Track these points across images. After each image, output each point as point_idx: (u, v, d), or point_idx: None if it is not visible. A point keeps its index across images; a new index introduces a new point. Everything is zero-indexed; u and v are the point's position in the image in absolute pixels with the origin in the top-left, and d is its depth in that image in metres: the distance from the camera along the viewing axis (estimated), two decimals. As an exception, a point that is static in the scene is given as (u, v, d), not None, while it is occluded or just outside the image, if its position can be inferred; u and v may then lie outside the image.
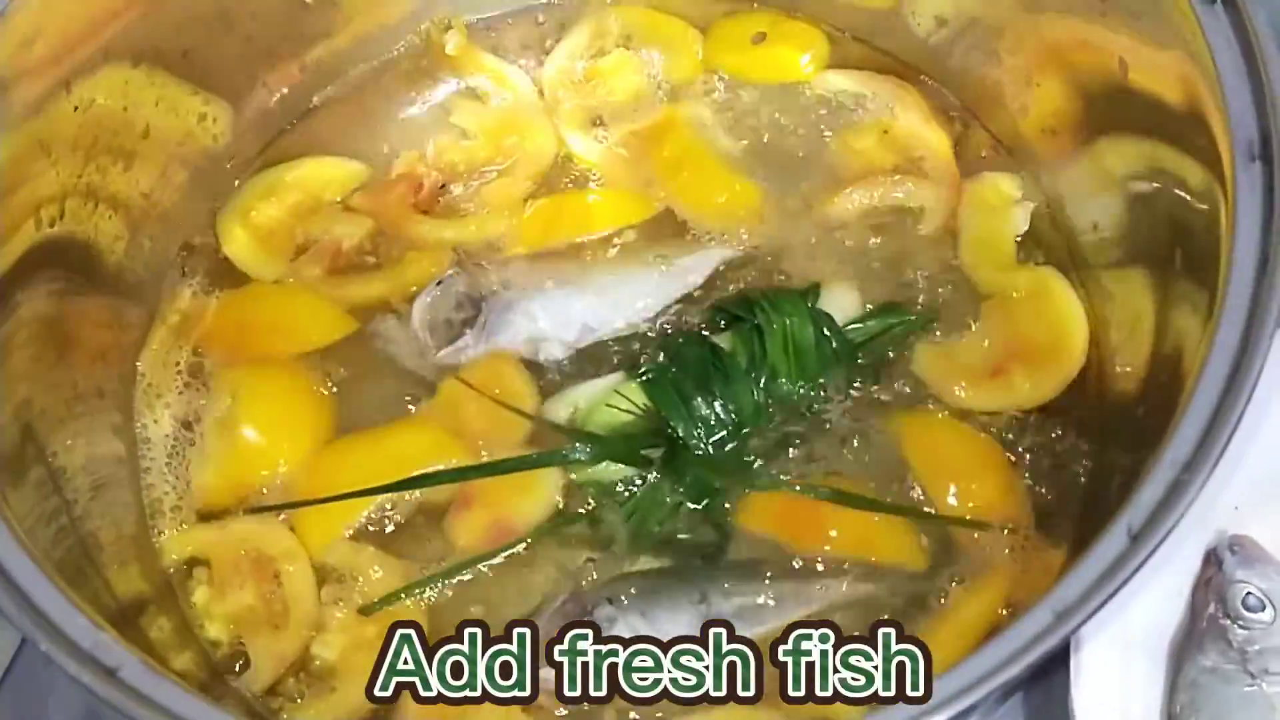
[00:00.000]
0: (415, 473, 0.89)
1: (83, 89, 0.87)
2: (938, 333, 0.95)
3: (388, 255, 1.01)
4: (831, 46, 1.08)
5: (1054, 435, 0.91)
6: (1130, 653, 0.81)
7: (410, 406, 0.94)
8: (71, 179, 0.88)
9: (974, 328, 0.95)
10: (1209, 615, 0.81)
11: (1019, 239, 0.98)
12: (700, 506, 0.89)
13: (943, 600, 0.85)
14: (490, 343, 0.94)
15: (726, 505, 0.89)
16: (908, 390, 0.93)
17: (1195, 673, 0.80)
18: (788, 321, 0.91)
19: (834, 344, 0.92)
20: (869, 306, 0.96)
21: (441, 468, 0.89)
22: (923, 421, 0.92)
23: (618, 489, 0.89)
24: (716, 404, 0.89)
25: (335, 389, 0.95)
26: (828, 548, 0.87)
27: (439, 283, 0.96)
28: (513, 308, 0.95)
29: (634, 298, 0.96)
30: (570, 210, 1.03)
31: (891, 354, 0.95)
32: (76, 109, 0.87)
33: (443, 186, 1.04)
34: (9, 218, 0.82)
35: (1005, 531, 0.87)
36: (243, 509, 0.91)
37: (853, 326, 0.94)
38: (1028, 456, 0.90)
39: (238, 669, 0.86)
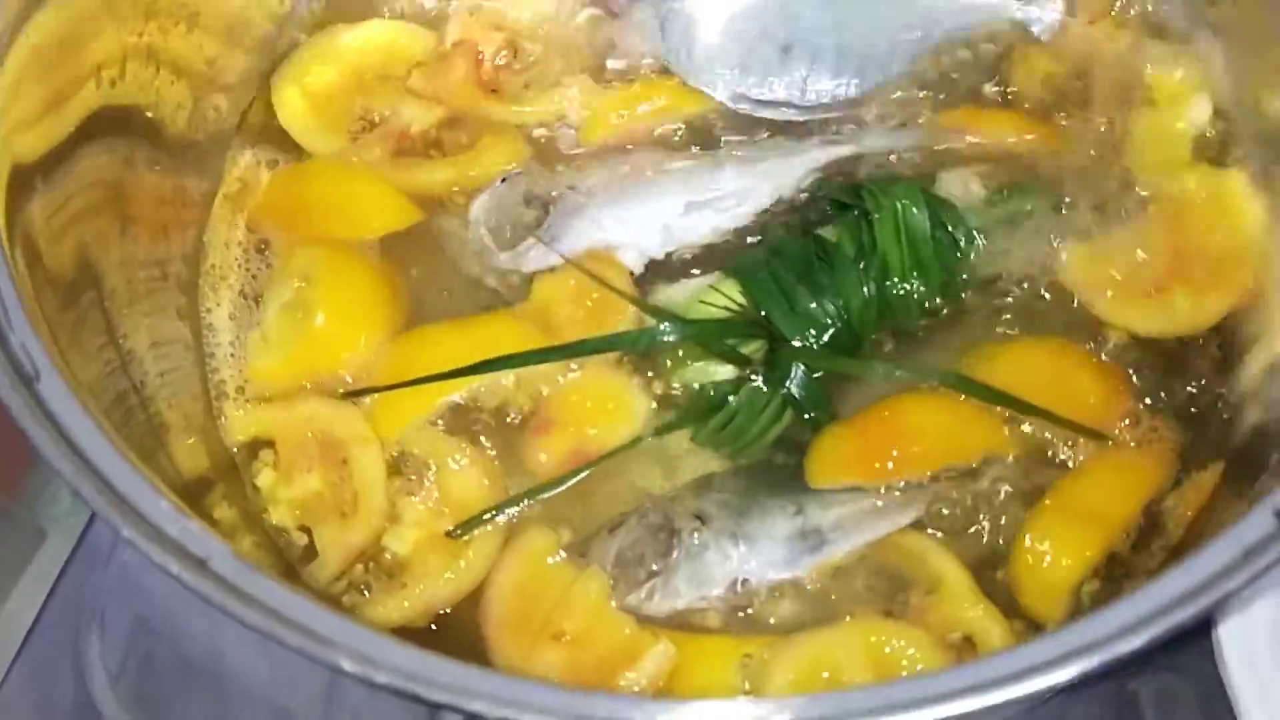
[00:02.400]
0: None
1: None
2: (1092, 230, 0.86)
3: (457, 142, 0.95)
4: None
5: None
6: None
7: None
8: (133, 38, 0.83)
9: (1135, 233, 0.86)
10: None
11: (1196, 137, 0.89)
12: (806, 413, 0.82)
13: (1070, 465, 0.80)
14: (554, 250, 0.87)
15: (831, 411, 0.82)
16: (1046, 297, 0.85)
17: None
18: (899, 206, 0.84)
19: (953, 233, 0.85)
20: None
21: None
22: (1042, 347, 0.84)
23: (713, 395, 0.83)
24: (823, 299, 0.83)
25: (411, 277, 0.90)
26: (914, 471, 0.80)
27: (504, 179, 0.90)
28: (581, 213, 0.88)
29: (725, 200, 0.89)
30: (653, 94, 0.95)
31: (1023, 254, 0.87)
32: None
33: (512, 60, 0.96)
34: (69, 75, 0.77)
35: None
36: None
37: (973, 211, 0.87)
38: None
39: (303, 557, 0.82)
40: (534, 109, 0.95)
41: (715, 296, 0.84)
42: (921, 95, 0.94)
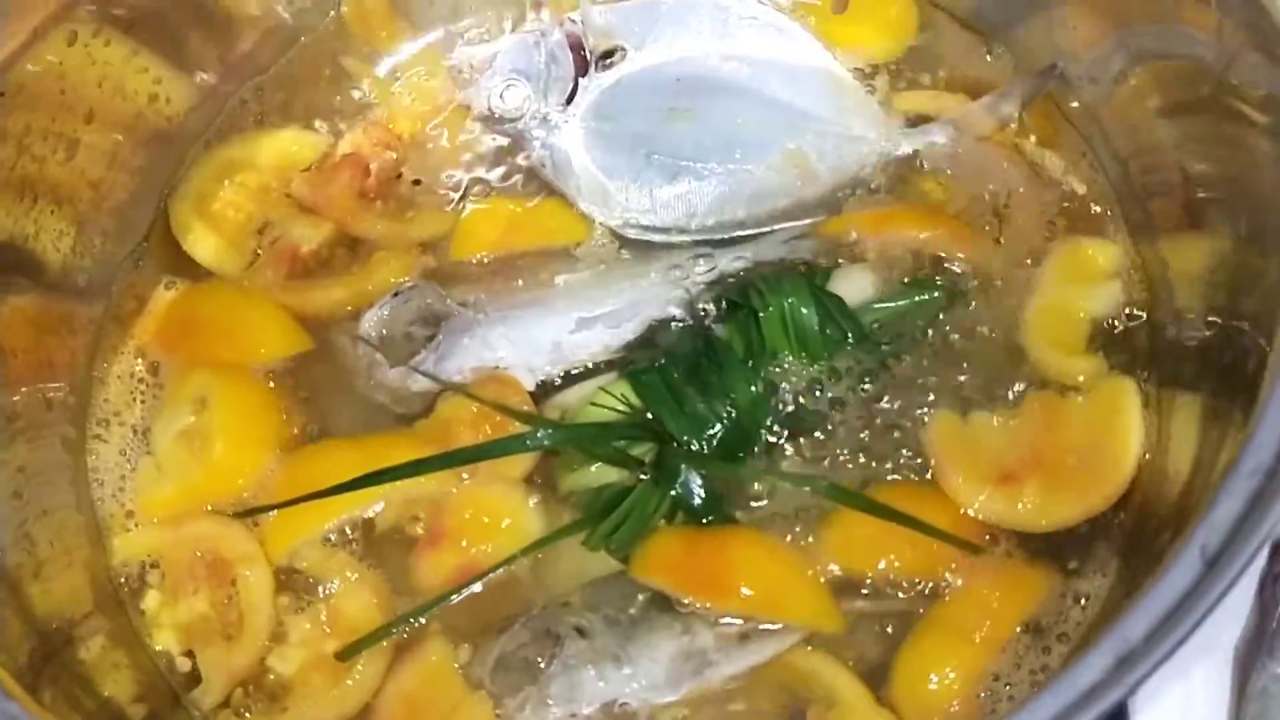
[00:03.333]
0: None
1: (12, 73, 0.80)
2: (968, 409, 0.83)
3: (347, 259, 0.94)
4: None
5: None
6: (1192, 660, 0.74)
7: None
8: (2, 172, 0.82)
9: (1005, 413, 0.83)
10: (1280, 615, 0.73)
11: (1096, 324, 0.86)
12: (701, 517, 0.81)
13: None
14: (440, 369, 0.87)
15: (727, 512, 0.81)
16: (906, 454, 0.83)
17: (1265, 680, 0.74)
18: (786, 303, 0.84)
19: (842, 326, 0.84)
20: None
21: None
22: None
23: (605, 498, 0.82)
24: (712, 399, 0.82)
25: (304, 399, 0.89)
26: (724, 604, 0.78)
27: (395, 294, 0.90)
28: (471, 331, 0.88)
29: (617, 314, 0.88)
30: (529, 217, 0.94)
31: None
32: (2, 95, 0.80)
33: (398, 177, 0.96)
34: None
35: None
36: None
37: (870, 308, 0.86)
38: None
39: (186, 683, 0.82)
40: (418, 225, 0.95)
41: (605, 398, 0.84)
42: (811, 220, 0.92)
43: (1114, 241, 0.89)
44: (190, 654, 0.82)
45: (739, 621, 0.77)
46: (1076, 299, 0.86)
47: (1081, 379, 0.83)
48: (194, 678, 0.82)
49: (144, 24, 0.89)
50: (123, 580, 0.85)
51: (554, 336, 0.87)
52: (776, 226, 0.92)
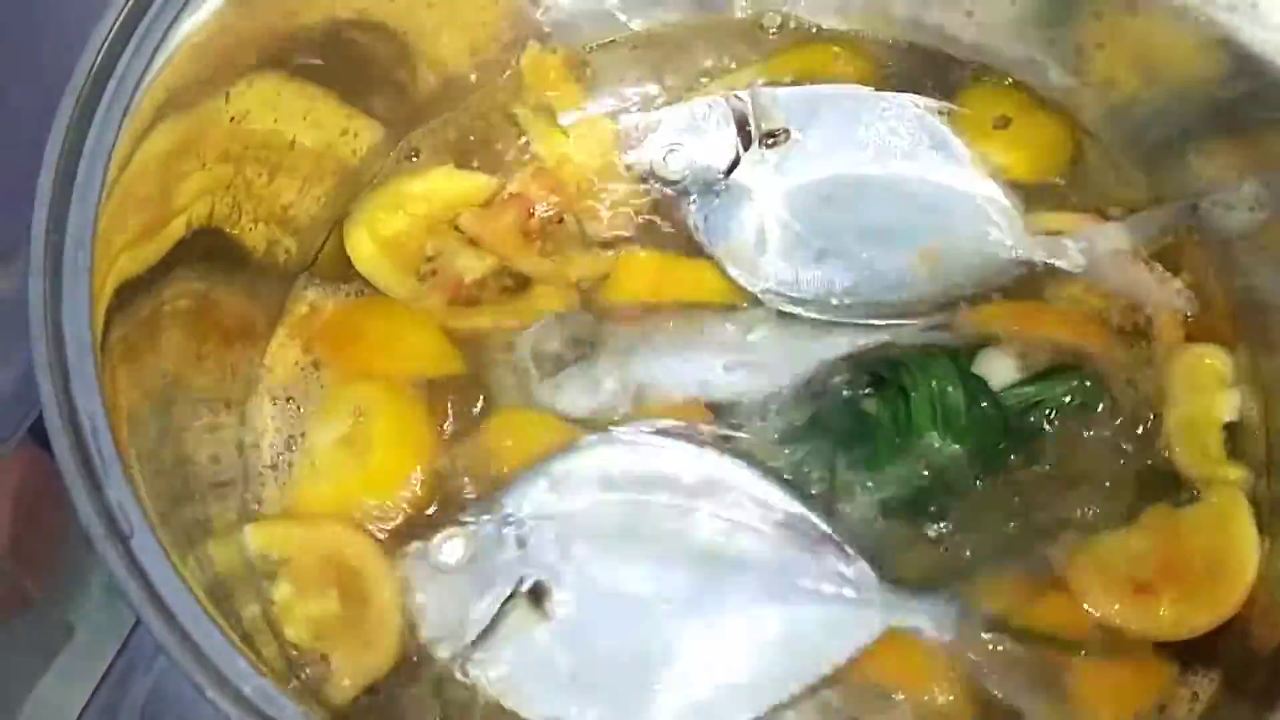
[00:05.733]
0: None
1: (239, 99, 0.87)
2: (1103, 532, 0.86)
3: (508, 292, 1.00)
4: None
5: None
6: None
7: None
8: (220, 187, 0.89)
9: (1135, 531, 0.86)
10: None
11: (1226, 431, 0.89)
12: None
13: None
14: (592, 390, 0.92)
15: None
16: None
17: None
18: (934, 383, 0.87)
19: (987, 410, 0.87)
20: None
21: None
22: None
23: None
24: (860, 472, 0.87)
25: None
26: None
27: (555, 315, 0.96)
28: (621, 357, 0.93)
29: (759, 365, 0.93)
30: (682, 272, 1.00)
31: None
32: (233, 119, 0.87)
33: (560, 220, 1.02)
34: (164, 212, 0.83)
35: None
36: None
37: (1012, 392, 0.89)
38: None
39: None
40: (576, 264, 1.00)
41: None
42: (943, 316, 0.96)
43: (1232, 349, 0.92)
44: (321, 648, 0.86)
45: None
46: (1209, 406, 0.89)
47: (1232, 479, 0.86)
48: (325, 671, 0.85)
49: (337, 79, 0.96)
50: (257, 568, 0.89)
51: (699, 375, 0.92)
52: (908, 321, 0.95)
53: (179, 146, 0.82)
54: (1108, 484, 0.88)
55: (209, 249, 0.89)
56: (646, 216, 1.02)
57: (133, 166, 0.77)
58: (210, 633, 0.65)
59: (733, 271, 0.98)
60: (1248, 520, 0.85)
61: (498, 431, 0.93)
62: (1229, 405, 0.90)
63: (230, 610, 0.79)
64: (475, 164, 1.05)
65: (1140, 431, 0.90)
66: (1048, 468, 0.88)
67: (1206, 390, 0.90)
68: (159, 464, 0.79)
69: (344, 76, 0.97)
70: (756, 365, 0.93)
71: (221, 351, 0.92)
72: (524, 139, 1.06)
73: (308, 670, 0.86)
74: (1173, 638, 0.83)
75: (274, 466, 0.94)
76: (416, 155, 1.06)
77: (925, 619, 0.81)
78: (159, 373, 0.83)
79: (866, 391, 0.90)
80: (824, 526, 0.84)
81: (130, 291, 0.78)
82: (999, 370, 0.90)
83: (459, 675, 0.83)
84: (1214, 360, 0.92)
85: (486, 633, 0.82)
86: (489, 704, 0.83)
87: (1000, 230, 0.97)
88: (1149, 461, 0.89)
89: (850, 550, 0.83)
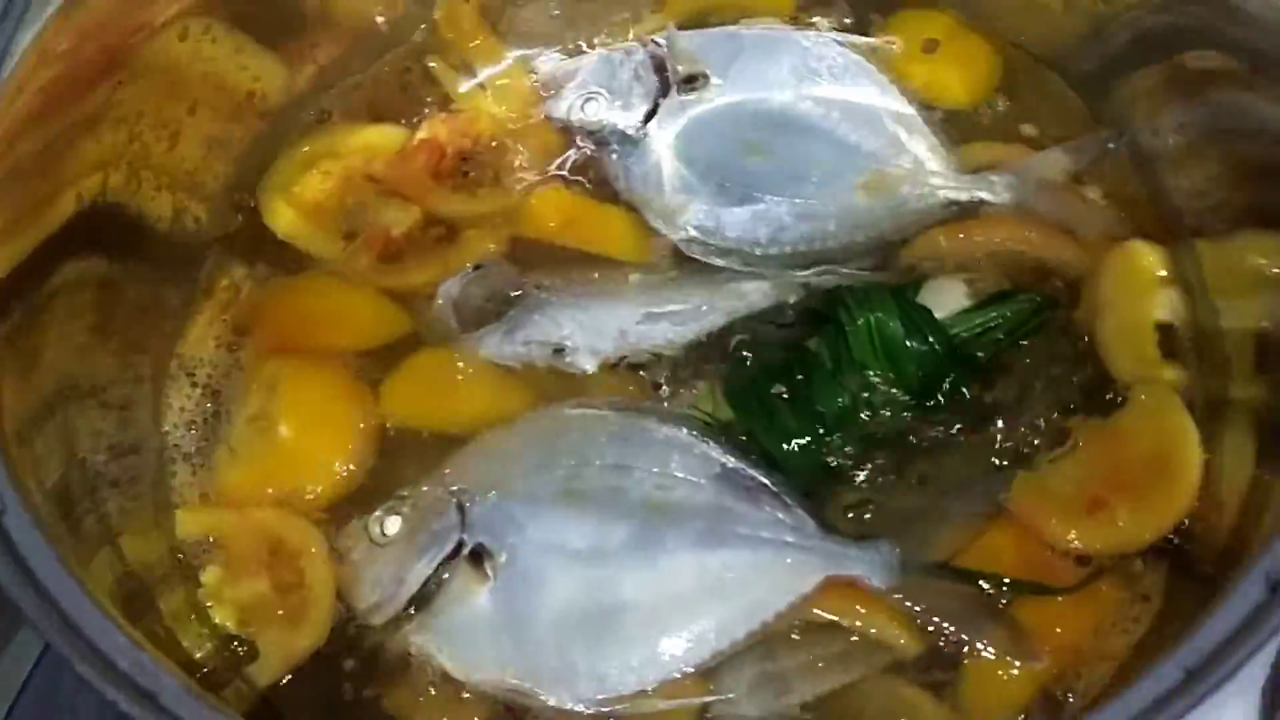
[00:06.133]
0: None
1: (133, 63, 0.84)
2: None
3: (436, 240, 0.98)
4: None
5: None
6: (1225, 699, 0.74)
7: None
8: (113, 154, 0.85)
9: (1076, 450, 0.84)
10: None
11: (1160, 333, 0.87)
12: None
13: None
14: (511, 340, 0.91)
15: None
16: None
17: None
18: (873, 317, 0.86)
19: (932, 341, 0.86)
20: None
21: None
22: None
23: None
24: (799, 410, 0.85)
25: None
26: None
27: (475, 267, 0.94)
28: (542, 309, 0.92)
29: (683, 314, 0.91)
30: (595, 217, 0.97)
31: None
32: (121, 83, 0.83)
33: (465, 161, 1.00)
34: (47, 188, 0.79)
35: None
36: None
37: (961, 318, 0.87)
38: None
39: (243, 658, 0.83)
40: (489, 201, 0.98)
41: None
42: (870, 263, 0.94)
43: (1164, 245, 0.90)
44: (248, 631, 0.84)
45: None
46: (1143, 306, 0.87)
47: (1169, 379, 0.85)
48: (252, 652, 0.83)
49: (248, 23, 0.93)
50: (181, 555, 0.87)
51: (621, 324, 0.90)
52: (835, 268, 0.93)
53: (56, 112, 0.78)
54: (1054, 410, 0.86)
55: (106, 224, 0.85)
56: (562, 166, 1.00)
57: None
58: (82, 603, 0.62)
59: (653, 221, 0.96)
60: (1181, 411, 0.83)
61: (428, 381, 0.91)
62: (1163, 304, 0.88)
63: (146, 600, 0.76)
64: (398, 121, 1.02)
65: (1080, 346, 0.88)
66: (996, 399, 0.87)
67: (1140, 290, 0.88)
68: (66, 456, 0.77)
69: (248, 32, 0.93)
70: (677, 315, 0.91)
71: (131, 334, 0.89)
72: (441, 94, 1.04)
73: (238, 650, 0.84)
74: (1140, 546, 0.81)
75: (195, 453, 0.91)
76: (329, 116, 1.03)
77: (865, 567, 0.80)
78: (53, 368, 0.79)
79: (804, 333, 0.89)
80: (761, 477, 0.82)
81: (12, 281, 0.74)
82: (949, 299, 0.89)
83: (398, 644, 0.81)
84: (1147, 258, 0.89)
85: (425, 598, 0.81)
86: (434, 670, 0.81)
87: (931, 169, 0.95)
88: (1091, 372, 0.87)
89: (789, 499, 0.82)
